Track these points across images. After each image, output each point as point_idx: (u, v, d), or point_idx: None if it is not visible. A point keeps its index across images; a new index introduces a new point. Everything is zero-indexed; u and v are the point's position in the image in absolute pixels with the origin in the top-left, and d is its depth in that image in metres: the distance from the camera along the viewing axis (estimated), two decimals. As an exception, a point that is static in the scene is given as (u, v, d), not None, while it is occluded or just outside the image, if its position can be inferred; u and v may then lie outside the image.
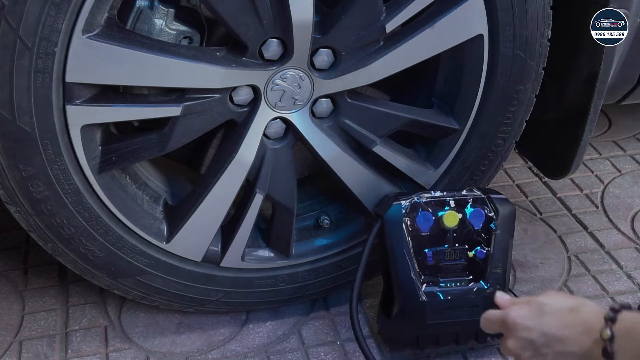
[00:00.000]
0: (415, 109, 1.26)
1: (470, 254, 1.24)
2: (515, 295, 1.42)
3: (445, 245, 1.23)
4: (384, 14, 1.11)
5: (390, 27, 1.12)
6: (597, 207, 1.73)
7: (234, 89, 1.13)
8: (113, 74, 1.04)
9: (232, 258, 1.28)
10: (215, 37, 1.14)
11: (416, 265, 1.23)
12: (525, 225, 1.65)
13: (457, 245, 1.24)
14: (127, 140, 1.14)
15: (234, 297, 1.33)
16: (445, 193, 1.25)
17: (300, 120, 1.19)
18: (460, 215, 1.22)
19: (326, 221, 1.35)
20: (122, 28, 1.04)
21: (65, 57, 1.00)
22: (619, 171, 1.86)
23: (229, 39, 1.12)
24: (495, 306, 1.28)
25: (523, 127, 1.30)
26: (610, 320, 0.83)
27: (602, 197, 1.76)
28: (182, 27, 1.12)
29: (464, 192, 1.25)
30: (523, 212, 1.69)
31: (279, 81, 1.13)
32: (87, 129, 1.07)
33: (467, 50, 1.19)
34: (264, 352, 1.31)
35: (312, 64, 1.13)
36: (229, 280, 1.31)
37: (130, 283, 1.25)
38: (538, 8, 1.15)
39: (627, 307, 0.86)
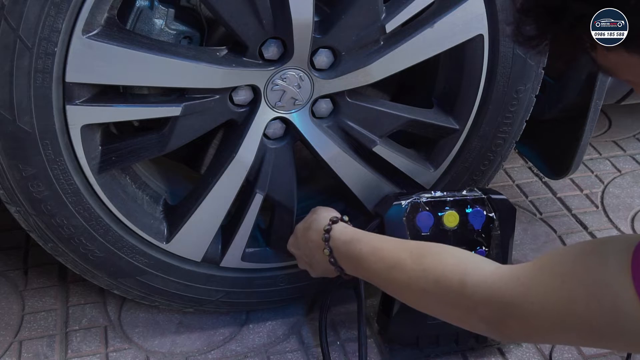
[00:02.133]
0: (415, 109, 1.26)
1: (470, 254, 1.24)
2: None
3: (446, 246, 1.24)
4: (384, 14, 1.11)
5: (390, 27, 1.12)
6: (597, 207, 1.73)
7: (234, 89, 1.13)
8: (113, 74, 1.04)
9: (232, 258, 1.28)
10: (215, 37, 1.14)
11: (416, 265, 1.23)
12: (525, 225, 1.65)
13: (457, 245, 1.24)
14: (127, 140, 1.14)
15: (234, 297, 1.33)
16: (445, 193, 1.24)
17: (300, 120, 1.19)
18: (460, 216, 1.22)
19: (326, 221, 1.35)
20: (122, 28, 1.04)
21: (65, 57, 1.00)
22: (619, 171, 1.86)
23: (229, 39, 1.12)
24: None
25: (523, 127, 1.30)
26: (325, 240, 1.11)
27: (602, 197, 1.76)
28: (182, 27, 1.12)
29: (464, 192, 1.25)
30: (523, 212, 1.69)
31: (279, 81, 1.13)
32: (87, 129, 1.07)
33: (467, 50, 1.19)
34: (264, 352, 1.31)
35: (312, 64, 1.14)
36: (229, 280, 1.31)
37: (130, 283, 1.25)
38: (538, 8, 1.15)
39: (336, 220, 1.13)
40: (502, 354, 1.32)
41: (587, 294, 0.75)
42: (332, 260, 1.11)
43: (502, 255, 1.23)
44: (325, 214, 1.17)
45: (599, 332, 0.76)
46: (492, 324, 0.86)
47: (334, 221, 1.14)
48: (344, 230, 1.11)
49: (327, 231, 1.12)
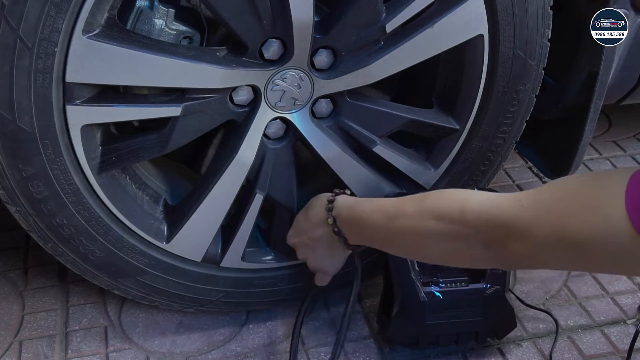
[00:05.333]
0: (415, 109, 1.26)
1: (470, 254, 1.24)
2: (516, 296, 1.42)
3: (445, 245, 1.23)
4: (384, 14, 1.11)
5: (390, 27, 1.12)
6: (597, 207, 1.72)
7: (234, 89, 1.13)
8: (113, 74, 1.04)
9: (232, 258, 1.28)
10: (215, 37, 1.14)
11: (416, 266, 1.23)
12: (525, 225, 1.64)
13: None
14: (127, 140, 1.14)
15: (234, 297, 1.33)
16: (445, 193, 1.24)
17: (301, 120, 1.19)
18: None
19: (326, 221, 1.35)
20: (122, 28, 1.04)
21: (65, 57, 1.00)
22: (619, 171, 1.86)
23: (229, 39, 1.12)
24: (494, 306, 1.28)
25: (523, 127, 1.30)
26: (329, 210, 1.14)
27: (602, 197, 1.76)
28: (182, 27, 1.12)
29: (464, 192, 1.25)
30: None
31: (279, 81, 1.14)
32: (87, 129, 1.07)
33: (467, 50, 1.19)
34: (264, 352, 1.31)
35: (312, 64, 1.14)
36: (229, 280, 1.31)
37: (130, 283, 1.25)
38: (538, 8, 1.15)
39: (339, 193, 1.17)
40: (502, 354, 1.32)
41: (580, 211, 0.79)
42: (336, 229, 1.13)
43: None
44: (325, 194, 1.19)
45: (592, 252, 0.79)
46: (493, 249, 0.89)
47: (337, 193, 1.17)
48: (347, 199, 1.15)
49: (331, 201, 1.15)
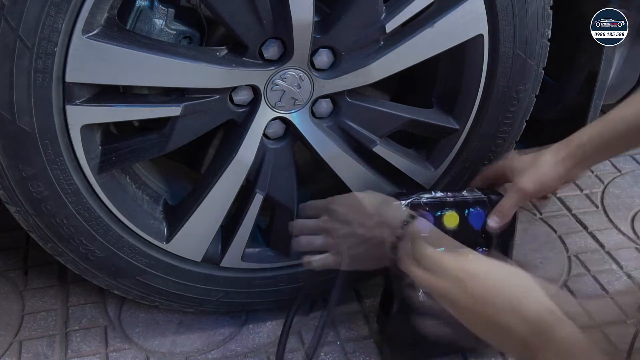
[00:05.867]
0: (415, 109, 1.26)
1: (470, 254, 1.24)
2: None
3: (445, 246, 1.23)
4: (384, 14, 1.12)
5: (390, 27, 1.12)
6: (597, 207, 1.73)
7: (234, 89, 1.13)
8: (113, 74, 1.04)
9: (232, 258, 1.28)
10: (215, 37, 1.14)
11: (416, 265, 1.23)
12: (525, 225, 1.65)
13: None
14: (127, 140, 1.14)
15: (234, 297, 1.33)
16: (445, 193, 1.24)
17: (300, 120, 1.19)
18: (460, 216, 1.22)
19: (326, 221, 1.35)
20: (122, 28, 1.04)
21: (65, 57, 1.00)
22: (619, 171, 1.86)
23: (229, 39, 1.12)
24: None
25: (523, 127, 1.30)
26: (402, 227, 1.07)
27: (602, 197, 1.76)
28: (182, 27, 1.12)
29: (464, 193, 1.24)
30: (523, 212, 1.69)
31: (279, 81, 1.13)
32: (87, 129, 1.07)
33: (467, 50, 1.19)
34: (263, 352, 1.31)
35: (312, 64, 1.14)
36: (229, 280, 1.31)
37: (130, 283, 1.26)
38: (538, 8, 1.15)
39: (418, 211, 1.12)
40: (502, 353, 1.32)
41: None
42: (395, 248, 1.06)
43: (502, 256, 1.23)
44: (400, 202, 1.14)
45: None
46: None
47: (413, 216, 1.10)
48: (426, 227, 1.09)
49: (412, 216, 1.09)
